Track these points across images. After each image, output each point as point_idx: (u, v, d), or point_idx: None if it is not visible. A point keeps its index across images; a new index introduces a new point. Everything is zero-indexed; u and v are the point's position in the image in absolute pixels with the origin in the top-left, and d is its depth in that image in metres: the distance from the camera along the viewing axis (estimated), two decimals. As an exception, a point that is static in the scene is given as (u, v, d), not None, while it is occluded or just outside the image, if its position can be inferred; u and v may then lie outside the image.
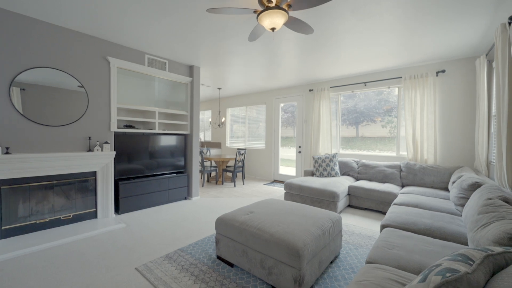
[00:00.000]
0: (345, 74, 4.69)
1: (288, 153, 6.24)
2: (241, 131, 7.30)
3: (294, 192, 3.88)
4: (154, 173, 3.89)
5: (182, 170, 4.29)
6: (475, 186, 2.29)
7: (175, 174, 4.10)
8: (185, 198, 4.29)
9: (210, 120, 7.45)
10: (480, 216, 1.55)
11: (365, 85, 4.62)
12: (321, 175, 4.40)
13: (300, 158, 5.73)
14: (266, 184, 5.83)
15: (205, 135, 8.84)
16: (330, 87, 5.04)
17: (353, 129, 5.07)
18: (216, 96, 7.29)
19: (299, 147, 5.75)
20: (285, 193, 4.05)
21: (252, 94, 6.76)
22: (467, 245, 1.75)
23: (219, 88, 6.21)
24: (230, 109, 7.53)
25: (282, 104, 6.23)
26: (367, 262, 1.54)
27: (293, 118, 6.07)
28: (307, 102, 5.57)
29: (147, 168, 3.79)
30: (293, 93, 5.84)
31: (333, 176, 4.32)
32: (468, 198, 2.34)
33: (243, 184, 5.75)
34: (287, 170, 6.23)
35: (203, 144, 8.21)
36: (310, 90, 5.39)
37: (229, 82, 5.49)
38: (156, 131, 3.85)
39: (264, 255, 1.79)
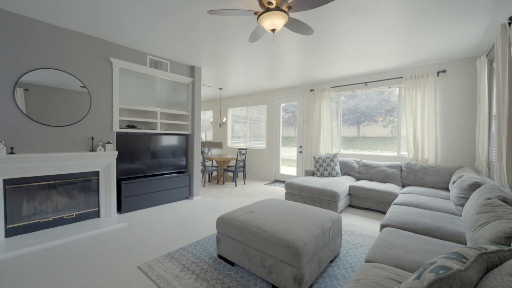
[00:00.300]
0: (346, 74, 4.70)
1: (289, 153, 6.25)
2: (242, 131, 7.32)
3: (295, 192, 3.90)
4: (156, 173, 3.92)
5: (184, 170, 4.32)
6: (475, 186, 2.29)
7: (176, 174, 4.13)
8: (187, 198, 4.32)
9: (211, 120, 7.48)
10: (478, 216, 1.56)
11: (366, 85, 4.63)
12: (322, 175, 4.41)
13: (301, 158, 5.75)
14: (267, 184, 5.85)
15: (206, 135, 8.87)
16: (331, 87, 5.05)
17: (354, 129, 5.07)
18: (217, 96, 7.32)
19: (300, 147, 5.76)
20: (286, 193, 4.07)
21: (253, 94, 6.78)
22: (466, 244, 1.76)
23: (220, 89, 6.24)
24: (231, 109, 7.55)
25: (283, 104, 6.25)
26: (366, 261, 1.56)
27: (294, 118, 6.08)
28: (308, 102, 5.59)
29: (149, 168, 3.82)
30: (294, 93, 5.86)
31: (334, 176, 4.33)
32: (468, 198, 2.35)
33: (244, 184, 5.77)
34: (288, 170, 6.25)
35: (205, 144, 8.24)
36: (311, 90, 5.40)
37: (230, 82, 5.52)
38: (158, 131, 3.88)
39: (265, 254, 1.81)
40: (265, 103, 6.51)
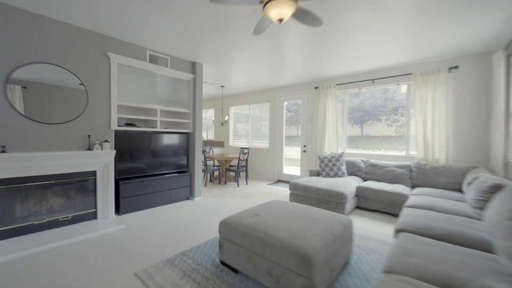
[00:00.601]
0: (352, 71, 4.54)
1: (292, 152, 6.10)
2: (244, 130, 7.18)
3: (300, 193, 3.76)
4: (156, 173, 3.79)
5: (185, 170, 4.18)
6: (496, 188, 2.14)
7: (177, 174, 3.99)
8: (188, 198, 4.18)
9: (213, 118, 7.35)
10: (510, 222, 1.41)
11: (373, 82, 4.47)
12: (327, 175, 4.26)
13: (305, 157, 5.60)
14: (270, 184, 5.70)
15: (208, 133, 8.74)
16: (337, 85, 4.90)
17: (358, 128, 4.93)
18: (219, 94, 7.18)
19: (304, 146, 5.61)
20: (290, 193, 3.92)
21: (256, 92, 6.63)
22: (492, 253, 1.61)
23: (222, 86, 6.09)
24: (233, 107, 7.41)
25: (286, 102, 6.09)
26: (385, 271, 1.41)
27: (297, 117, 5.93)
28: (312, 100, 5.43)
29: (149, 167, 3.68)
30: (297, 90, 5.70)
31: (340, 176, 4.18)
32: (487, 201, 2.20)
33: (247, 184, 5.63)
34: (292, 170, 6.10)
35: (206, 143, 8.10)
36: (315, 88, 5.24)
37: (232, 79, 5.37)
38: (158, 129, 3.74)
39: (272, 262, 1.67)
40: (268, 101, 6.36)
